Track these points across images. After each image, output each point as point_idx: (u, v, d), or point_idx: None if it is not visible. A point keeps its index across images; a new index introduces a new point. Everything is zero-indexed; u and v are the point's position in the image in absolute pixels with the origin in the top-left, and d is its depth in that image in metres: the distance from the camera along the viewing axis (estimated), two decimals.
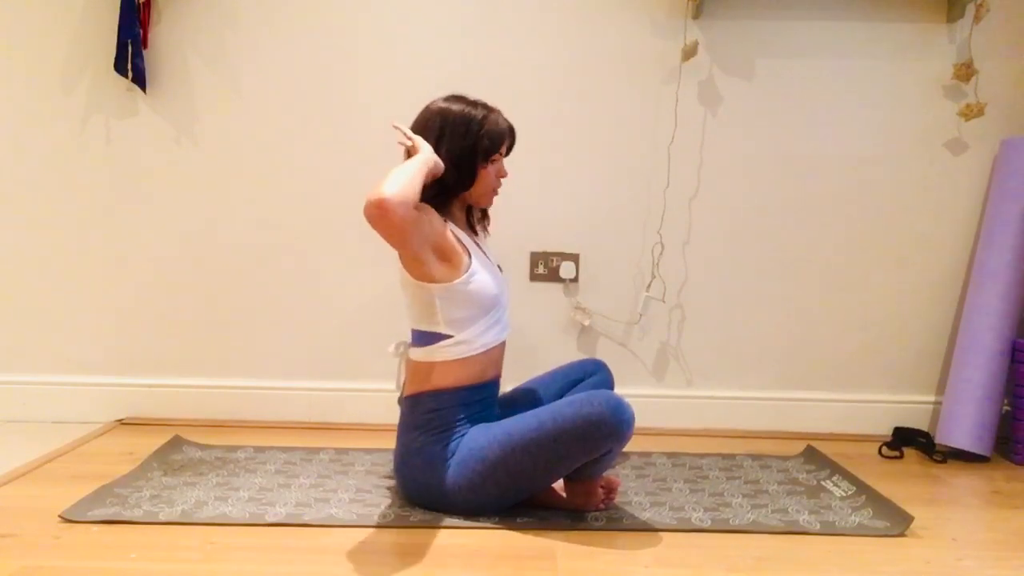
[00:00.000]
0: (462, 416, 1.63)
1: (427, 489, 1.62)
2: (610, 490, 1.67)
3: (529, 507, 1.64)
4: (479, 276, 1.63)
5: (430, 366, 1.64)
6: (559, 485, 1.66)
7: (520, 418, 1.58)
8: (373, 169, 1.85)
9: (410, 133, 1.65)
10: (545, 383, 1.89)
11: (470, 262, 1.64)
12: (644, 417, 2.32)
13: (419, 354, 1.67)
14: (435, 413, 1.62)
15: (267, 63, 2.27)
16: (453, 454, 1.60)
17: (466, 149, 1.63)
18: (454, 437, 1.61)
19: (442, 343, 1.63)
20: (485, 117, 1.65)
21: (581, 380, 1.89)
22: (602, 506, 1.65)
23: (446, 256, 1.60)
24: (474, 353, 1.64)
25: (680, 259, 2.33)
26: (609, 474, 1.68)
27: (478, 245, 1.75)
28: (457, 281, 1.60)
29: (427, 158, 1.57)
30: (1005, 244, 2.16)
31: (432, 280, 1.60)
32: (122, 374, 2.32)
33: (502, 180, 1.72)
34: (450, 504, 1.60)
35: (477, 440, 1.59)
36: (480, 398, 1.67)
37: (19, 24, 2.24)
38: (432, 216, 1.59)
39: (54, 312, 2.31)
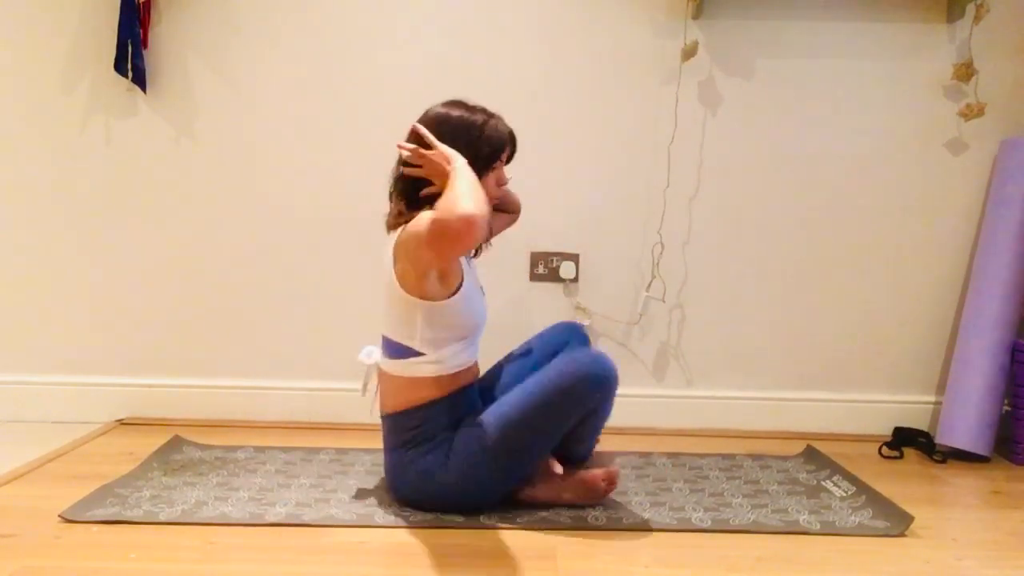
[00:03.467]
0: (446, 423, 1.61)
1: (427, 496, 1.61)
2: (611, 481, 1.67)
3: (529, 507, 1.64)
4: (467, 300, 1.60)
5: (406, 383, 1.61)
6: (558, 483, 1.66)
7: (505, 398, 1.59)
8: (372, 169, 1.87)
9: (433, 140, 1.56)
10: (522, 363, 1.84)
11: (462, 284, 1.59)
12: (644, 417, 2.33)
13: (393, 367, 1.63)
14: (419, 428, 1.60)
15: (267, 63, 2.27)
16: (448, 458, 1.58)
17: (466, 157, 1.54)
18: (443, 444, 1.60)
19: (414, 359, 1.59)
20: (485, 123, 1.60)
21: (556, 353, 1.82)
22: (607, 492, 1.66)
23: (444, 275, 1.55)
24: (446, 373, 1.61)
25: (680, 259, 2.33)
26: (608, 466, 1.69)
27: (471, 266, 1.74)
28: (446, 302, 1.56)
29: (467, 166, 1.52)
30: (1005, 244, 2.16)
31: (423, 297, 1.55)
32: (122, 374, 2.32)
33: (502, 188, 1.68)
34: (452, 504, 1.60)
35: (471, 433, 1.58)
36: (461, 403, 1.65)
37: (19, 24, 2.23)
38: None
39: (53, 312, 2.31)
